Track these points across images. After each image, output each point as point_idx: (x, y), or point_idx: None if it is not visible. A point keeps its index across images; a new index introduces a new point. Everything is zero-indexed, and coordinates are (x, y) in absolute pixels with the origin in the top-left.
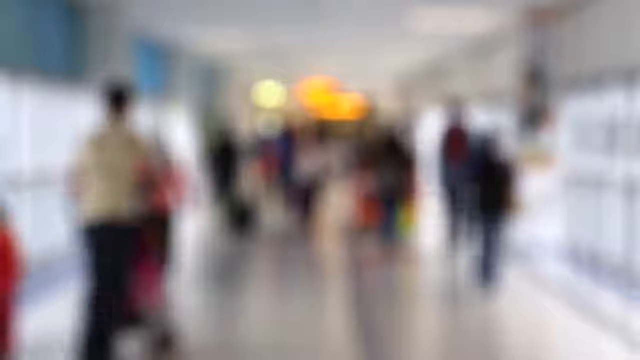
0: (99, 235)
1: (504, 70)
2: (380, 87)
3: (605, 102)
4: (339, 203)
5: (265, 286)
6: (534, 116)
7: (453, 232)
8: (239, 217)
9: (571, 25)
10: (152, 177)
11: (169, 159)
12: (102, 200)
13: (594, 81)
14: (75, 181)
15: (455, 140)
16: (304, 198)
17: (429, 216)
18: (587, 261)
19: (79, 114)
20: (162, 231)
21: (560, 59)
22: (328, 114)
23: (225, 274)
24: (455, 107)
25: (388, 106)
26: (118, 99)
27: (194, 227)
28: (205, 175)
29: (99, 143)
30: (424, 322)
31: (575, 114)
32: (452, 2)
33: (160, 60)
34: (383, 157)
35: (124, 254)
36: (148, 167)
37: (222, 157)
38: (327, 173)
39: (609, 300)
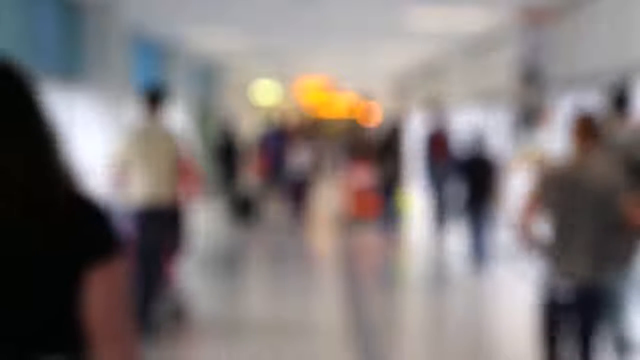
0: (148, 218)
1: (501, 70)
2: (377, 87)
3: (601, 101)
4: (331, 196)
5: (264, 270)
6: (530, 115)
7: (440, 223)
8: (242, 209)
9: (567, 24)
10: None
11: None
12: (148, 188)
13: (590, 81)
14: (118, 171)
15: (438, 141)
16: (296, 192)
17: (420, 208)
18: None
19: (75, 113)
20: (175, 220)
21: (556, 59)
22: (324, 113)
23: (229, 259)
24: (436, 109)
25: (384, 105)
26: (155, 100)
27: (201, 217)
28: (209, 171)
29: (142, 137)
30: (414, 304)
31: (571, 113)
32: (449, 1)
33: (157, 59)
34: (383, 152)
35: (165, 234)
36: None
37: (224, 154)
38: (318, 169)
39: None
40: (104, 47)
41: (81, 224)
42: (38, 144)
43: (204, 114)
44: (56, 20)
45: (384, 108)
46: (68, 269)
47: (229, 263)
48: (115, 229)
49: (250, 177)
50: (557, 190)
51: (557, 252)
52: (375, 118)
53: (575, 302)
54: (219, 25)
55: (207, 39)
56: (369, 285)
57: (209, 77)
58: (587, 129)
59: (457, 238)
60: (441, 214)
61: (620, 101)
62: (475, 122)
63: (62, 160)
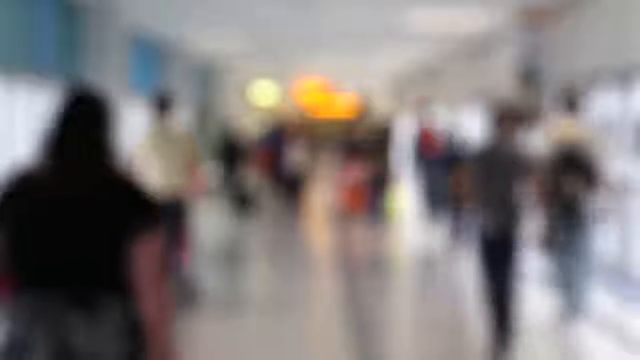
0: (165, 206)
1: (499, 71)
2: (376, 87)
3: (600, 102)
4: (326, 192)
5: (263, 258)
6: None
7: (427, 213)
8: (242, 204)
9: (566, 25)
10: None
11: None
12: (161, 181)
13: (588, 81)
14: (136, 166)
15: (427, 138)
16: (293, 188)
17: (408, 200)
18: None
19: None
20: (185, 211)
21: (554, 60)
22: (322, 113)
23: (231, 249)
24: (426, 108)
25: (383, 106)
26: (163, 105)
27: (205, 211)
28: (211, 169)
29: (156, 137)
30: (402, 287)
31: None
32: (448, 2)
33: (156, 60)
34: (374, 150)
35: (176, 223)
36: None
37: (225, 153)
38: (314, 167)
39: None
40: (103, 48)
41: (133, 203)
42: (110, 148)
43: (204, 114)
44: (55, 21)
45: (383, 108)
46: (122, 233)
47: (231, 252)
48: (156, 210)
49: (250, 174)
50: (482, 164)
51: (484, 206)
52: (371, 118)
53: (497, 238)
54: (218, 26)
55: (206, 40)
56: (359, 271)
57: (208, 78)
58: (504, 117)
59: (443, 227)
60: (428, 205)
61: (570, 104)
62: (473, 122)
63: (119, 160)
